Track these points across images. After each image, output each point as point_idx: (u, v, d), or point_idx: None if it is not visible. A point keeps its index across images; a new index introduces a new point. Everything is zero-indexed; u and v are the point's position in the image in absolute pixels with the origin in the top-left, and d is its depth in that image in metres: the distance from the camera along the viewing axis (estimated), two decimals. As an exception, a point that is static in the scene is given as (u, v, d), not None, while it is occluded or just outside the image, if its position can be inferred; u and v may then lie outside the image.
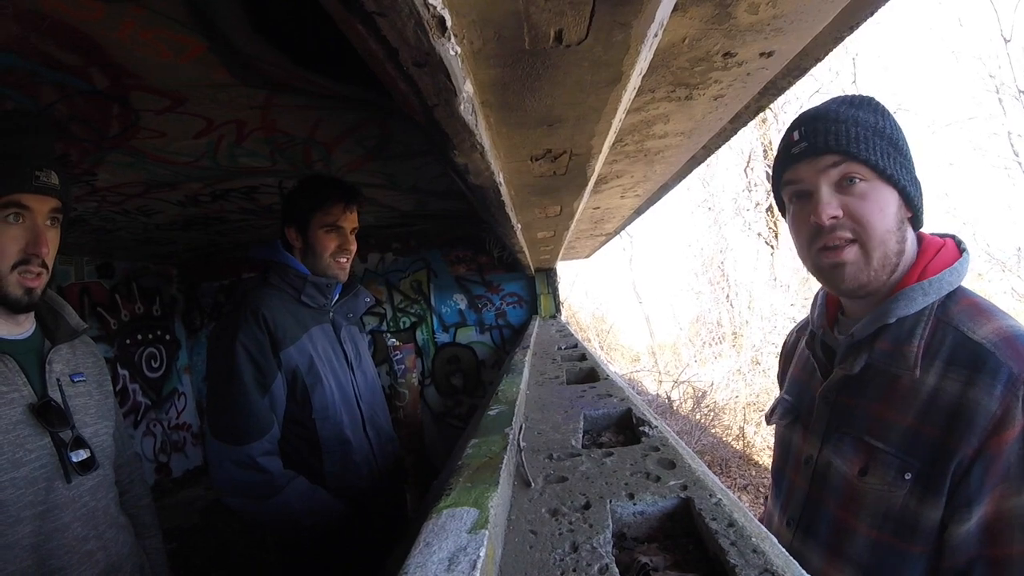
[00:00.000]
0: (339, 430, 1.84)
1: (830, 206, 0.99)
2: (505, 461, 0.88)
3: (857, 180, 0.99)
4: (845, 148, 0.98)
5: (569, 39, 0.62)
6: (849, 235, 1.00)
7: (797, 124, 1.06)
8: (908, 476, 0.94)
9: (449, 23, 0.50)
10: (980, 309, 0.97)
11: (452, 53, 0.56)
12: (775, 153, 1.12)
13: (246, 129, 1.76)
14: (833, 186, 1.01)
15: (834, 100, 1.06)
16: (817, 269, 1.07)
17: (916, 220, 1.05)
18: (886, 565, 0.98)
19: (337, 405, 1.84)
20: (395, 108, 1.51)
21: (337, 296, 2.01)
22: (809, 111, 1.07)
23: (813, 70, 1.45)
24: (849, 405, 1.07)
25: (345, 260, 1.90)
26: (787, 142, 1.07)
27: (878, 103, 1.05)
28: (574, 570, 0.59)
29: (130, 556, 1.45)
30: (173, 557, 2.00)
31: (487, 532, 0.58)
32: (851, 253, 1.00)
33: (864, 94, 1.07)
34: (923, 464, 0.92)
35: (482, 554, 0.53)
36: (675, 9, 0.72)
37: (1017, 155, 10.81)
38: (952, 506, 0.90)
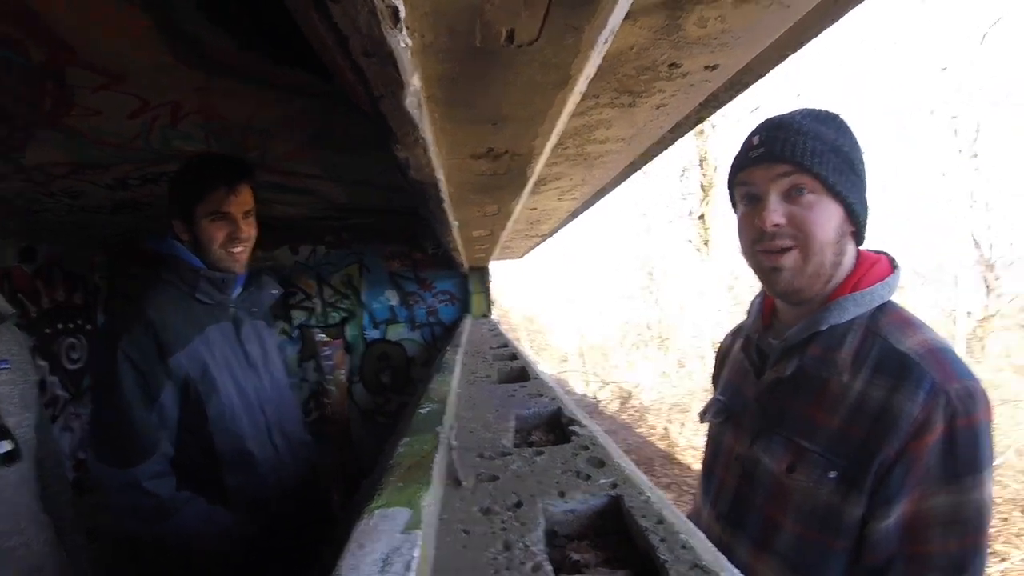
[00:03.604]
0: (240, 441, 1.68)
1: (776, 213, 1.05)
2: (437, 460, 0.88)
3: (805, 191, 1.04)
4: (799, 160, 1.03)
5: (521, 39, 0.62)
6: (790, 242, 1.06)
7: (760, 130, 1.11)
8: (833, 474, 1.00)
9: (403, 14, 0.49)
10: (907, 322, 1.05)
11: (403, 45, 0.55)
12: (736, 152, 1.17)
13: (182, 111, 1.65)
14: (782, 194, 1.06)
15: (800, 111, 1.11)
16: (757, 268, 1.13)
17: (858, 235, 1.11)
18: (810, 560, 1.04)
19: (237, 414, 1.69)
20: (338, 98, 1.46)
21: (239, 289, 1.84)
22: (774, 119, 1.12)
23: (753, 86, 1.50)
24: (780, 406, 1.13)
25: (240, 250, 1.72)
26: (747, 145, 1.12)
27: (842, 121, 1.11)
28: (508, 569, 0.59)
29: (51, 555, 1.36)
30: (95, 556, 1.88)
31: (420, 532, 0.57)
32: (790, 259, 1.06)
33: (830, 110, 1.12)
34: (848, 463, 0.99)
35: (416, 555, 0.53)
36: (626, 17, 0.73)
37: (942, 176, 11.70)
38: (873, 504, 0.96)
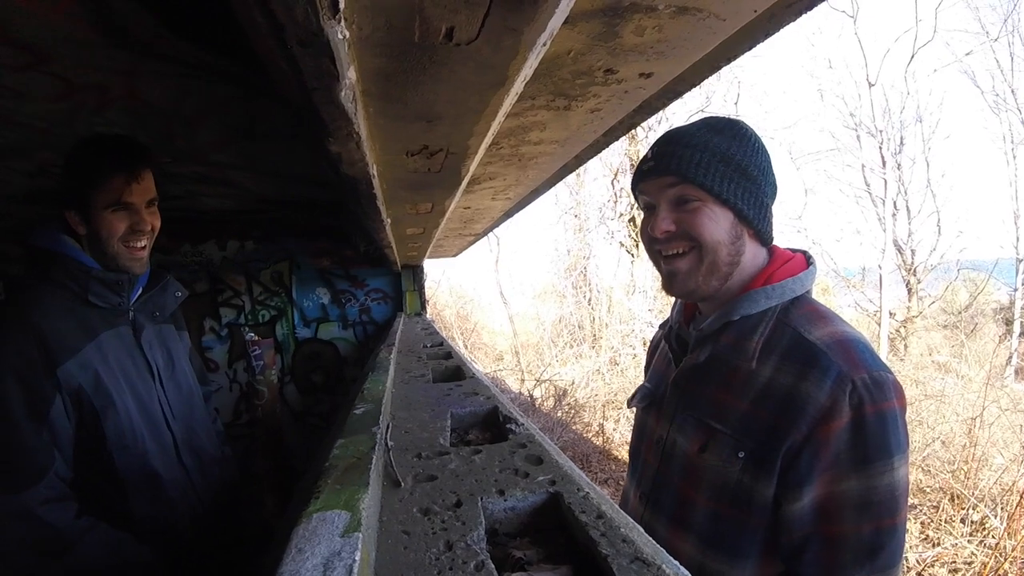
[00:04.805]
0: (143, 461, 1.51)
1: (665, 221, 1.14)
2: (374, 461, 0.86)
3: (692, 200, 1.12)
4: (684, 173, 1.10)
5: (459, 38, 0.62)
6: (684, 245, 1.14)
7: (655, 144, 1.18)
8: (741, 455, 1.06)
9: (341, 5, 0.48)
10: (819, 315, 1.11)
11: (340, 37, 0.54)
12: (638, 161, 1.24)
13: (108, 96, 1.52)
14: (671, 203, 1.14)
15: (697, 123, 1.18)
16: (659, 268, 1.23)
17: (760, 235, 1.17)
18: (725, 535, 1.09)
19: (138, 430, 1.52)
20: (267, 87, 1.41)
21: (140, 291, 1.67)
22: (669, 133, 1.19)
23: (686, 95, 1.55)
24: (694, 391, 1.19)
25: (141, 245, 1.55)
26: (644, 158, 1.20)
27: (741, 128, 1.16)
28: (450, 569, 0.59)
29: None
30: None
31: (360, 535, 0.56)
32: (685, 263, 1.15)
33: (732, 118, 1.19)
34: (756, 445, 1.04)
35: (357, 558, 0.52)
36: (565, 22, 0.74)
37: (868, 186, 12.60)
38: (784, 485, 1.02)
